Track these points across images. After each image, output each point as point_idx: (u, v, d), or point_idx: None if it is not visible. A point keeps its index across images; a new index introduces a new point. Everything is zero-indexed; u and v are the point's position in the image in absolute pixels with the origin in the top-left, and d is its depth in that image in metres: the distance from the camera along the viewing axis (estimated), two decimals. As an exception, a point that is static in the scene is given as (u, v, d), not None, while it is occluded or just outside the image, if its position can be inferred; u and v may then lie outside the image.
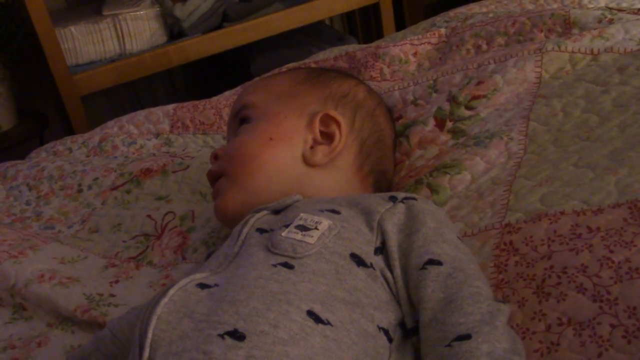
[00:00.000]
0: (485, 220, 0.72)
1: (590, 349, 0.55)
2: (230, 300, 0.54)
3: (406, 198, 0.67)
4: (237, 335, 0.51)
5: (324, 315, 0.54)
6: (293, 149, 0.76)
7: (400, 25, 2.26)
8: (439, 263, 0.59)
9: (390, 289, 0.61)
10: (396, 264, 0.61)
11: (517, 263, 0.65)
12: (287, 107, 0.78)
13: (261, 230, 0.66)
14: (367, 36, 2.33)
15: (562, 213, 0.66)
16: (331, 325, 0.54)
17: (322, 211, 0.65)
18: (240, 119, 0.79)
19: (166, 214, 0.92)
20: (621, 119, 0.74)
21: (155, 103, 2.34)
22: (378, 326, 0.57)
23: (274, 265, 0.58)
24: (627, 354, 0.53)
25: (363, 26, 2.39)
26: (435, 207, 0.68)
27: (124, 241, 0.90)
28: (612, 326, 0.55)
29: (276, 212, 0.69)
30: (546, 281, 0.62)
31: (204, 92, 1.55)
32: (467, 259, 0.62)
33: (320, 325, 0.53)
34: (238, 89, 1.30)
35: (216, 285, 0.57)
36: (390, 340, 0.57)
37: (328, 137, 0.77)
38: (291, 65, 1.29)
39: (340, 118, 0.77)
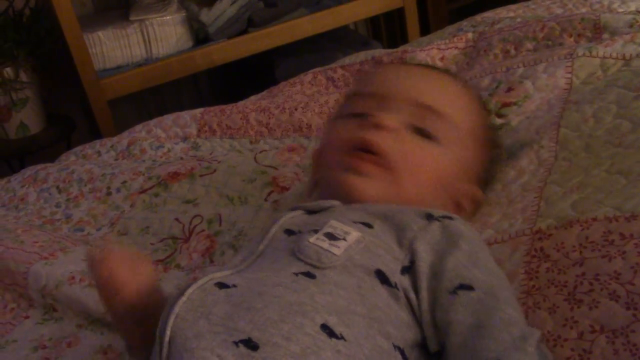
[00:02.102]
0: (515, 227, 0.71)
1: (624, 357, 0.54)
2: (247, 307, 0.54)
3: (443, 217, 0.65)
4: (251, 345, 0.51)
5: (338, 329, 0.54)
6: (446, 199, 0.73)
7: (424, 30, 2.25)
8: (471, 288, 0.58)
9: (413, 310, 0.59)
10: (424, 285, 0.59)
11: (548, 269, 0.65)
12: (473, 160, 0.75)
13: (289, 232, 0.65)
14: (392, 41, 2.33)
15: (594, 219, 0.66)
16: (345, 340, 0.53)
17: (355, 222, 0.64)
18: (427, 127, 0.72)
19: (194, 217, 0.93)
20: (654, 125, 0.73)
21: (180, 107, 2.35)
22: (394, 344, 0.56)
23: (296, 274, 0.58)
24: (662, 362, 0.52)
25: (388, 31, 2.39)
26: (471, 230, 0.66)
27: (152, 244, 0.91)
28: (647, 334, 0.54)
29: (311, 212, 0.69)
30: (578, 288, 0.61)
31: (229, 97, 1.56)
32: (500, 284, 0.60)
33: (334, 340, 0.53)
34: (264, 93, 1.30)
35: (234, 286, 0.58)
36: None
37: (459, 207, 0.74)
38: (319, 69, 1.29)
39: (481, 201, 0.76)
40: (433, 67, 0.82)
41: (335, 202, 0.69)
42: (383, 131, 0.70)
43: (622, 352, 0.55)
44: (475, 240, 0.64)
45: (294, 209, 0.70)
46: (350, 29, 2.40)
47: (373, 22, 2.47)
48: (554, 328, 0.60)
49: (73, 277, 0.82)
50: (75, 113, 2.15)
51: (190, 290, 0.57)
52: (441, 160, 0.72)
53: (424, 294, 0.59)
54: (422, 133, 0.72)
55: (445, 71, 0.84)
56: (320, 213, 0.68)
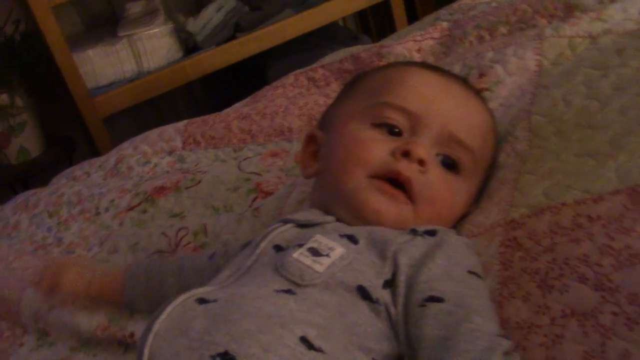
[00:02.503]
0: (490, 219, 0.71)
1: (594, 339, 0.55)
2: (224, 320, 0.55)
3: (426, 231, 0.65)
4: (227, 358, 0.52)
5: (317, 343, 0.54)
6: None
7: (413, 20, 2.24)
8: (440, 300, 0.57)
9: (393, 325, 0.59)
10: (399, 300, 0.59)
11: (521, 258, 0.65)
12: (479, 186, 0.75)
13: (278, 248, 0.65)
14: (382, 34, 2.32)
15: (564, 204, 0.66)
16: (323, 352, 0.53)
17: (341, 236, 0.63)
18: (455, 160, 0.71)
19: (179, 229, 0.94)
20: (621, 103, 0.72)
21: (177, 116, 2.37)
22: (373, 359, 0.56)
23: (277, 291, 0.58)
24: (630, 341, 0.53)
25: (376, 24, 2.39)
26: (454, 241, 0.65)
27: (141, 260, 0.92)
28: (615, 314, 0.55)
29: (302, 226, 0.68)
30: (549, 274, 0.61)
31: (225, 102, 1.57)
32: (472, 294, 0.59)
33: (312, 352, 0.53)
34: (248, 99, 1.31)
35: (215, 300, 0.58)
36: None
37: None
38: (300, 71, 1.30)
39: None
40: (461, 82, 0.79)
41: (330, 219, 0.68)
42: (416, 165, 0.68)
43: (592, 334, 0.55)
44: (456, 252, 0.63)
45: (285, 221, 0.69)
46: (339, 25, 2.40)
47: (361, 17, 2.47)
48: (527, 316, 0.60)
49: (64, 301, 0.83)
50: (75, 133, 2.17)
51: (169, 308, 0.58)
52: (459, 192, 0.72)
53: (400, 308, 0.58)
54: (448, 165, 0.71)
55: (472, 88, 0.81)
56: (313, 227, 0.67)
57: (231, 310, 0.56)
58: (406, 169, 0.68)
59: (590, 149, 0.70)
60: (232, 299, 0.58)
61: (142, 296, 0.80)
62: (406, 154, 0.68)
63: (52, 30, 1.79)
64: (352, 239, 0.63)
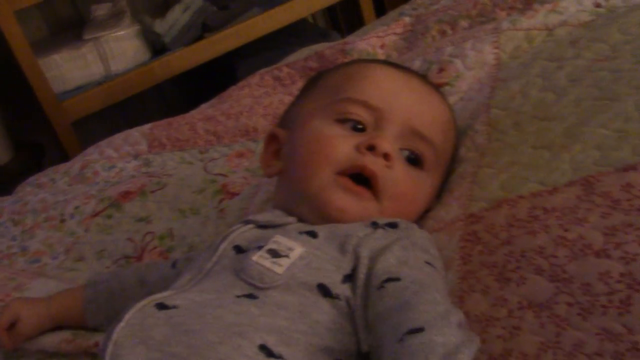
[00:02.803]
0: (450, 214, 0.72)
1: (549, 330, 0.55)
2: (184, 330, 0.55)
3: (387, 224, 0.65)
4: None
5: (277, 349, 0.54)
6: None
7: (382, 14, 2.25)
8: (397, 279, 0.57)
9: (355, 318, 0.58)
10: (359, 291, 0.59)
11: (480, 252, 0.65)
12: (441, 182, 0.76)
13: (238, 249, 0.65)
14: (351, 30, 2.32)
15: (521, 197, 0.66)
16: (283, 359, 0.53)
17: (300, 233, 0.64)
18: (419, 154, 0.72)
19: (146, 234, 0.93)
20: (576, 94, 0.73)
21: (147, 118, 2.35)
22: (336, 359, 0.56)
23: (238, 297, 0.58)
24: (584, 330, 0.53)
25: (345, 20, 2.39)
26: (415, 234, 0.66)
27: (107, 267, 0.92)
28: (569, 305, 0.55)
29: (264, 227, 0.68)
30: (507, 266, 0.62)
31: (195, 103, 1.56)
32: (430, 278, 0.59)
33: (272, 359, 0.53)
34: (214, 100, 1.30)
35: (175, 307, 0.58)
36: None
37: None
38: (265, 70, 1.30)
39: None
40: (422, 79, 0.80)
41: (291, 219, 0.68)
42: (382, 160, 0.68)
43: (548, 325, 0.56)
44: (414, 245, 0.64)
45: (246, 222, 0.69)
46: (308, 22, 2.40)
47: (330, 13, 2.47)
48: (486, 309, 0.61)
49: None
50: (44, 138, 2.14)
51: (128, 315, 0.57)
52: (423, 188, 0.72)
53: (358, 300, 0.59)
54: (412, 160, 0.71)
55: (432, 84, 0.82)
56: (272, 229, 0.67)
57: (192, 319, 0.56)
58: (372, 163, 0.67)
59: (546, 141, 0.71)
60: (193, 308, 0.58)
61: (107, 320, 0.76)
62: (371, 148, 0.68)
63: (16, 36, 1.76)
64: (312, 234, 0.63)
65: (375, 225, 0.64)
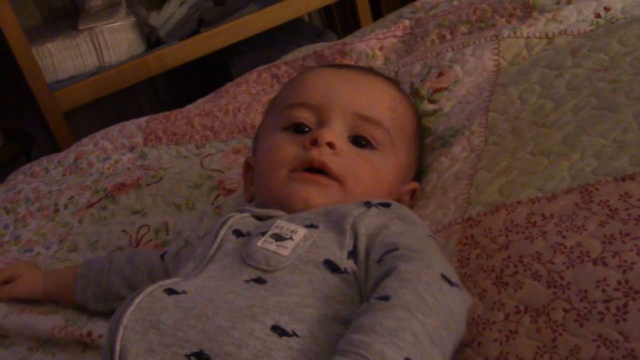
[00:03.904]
0: (448, 216, 0.72)
1: (546, 335, 0.56)
2: (197, 314, 0.55)
3: (380, 204, 0.67)
4: (203, 357, 0.52)
5: (289, 327, 0.54)
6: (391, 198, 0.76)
7: (378, 16, 2.25)
8: (395, 249, 0.59)
9: (362, 292, 0.60)
10: (362, 266, 0.61)
11: (477, 256, 0.66)
12: (409, 160, 0.79)
13: (238, 233, 0.66)
14: (346, 30, 2.33)
15: (519, 202, 0.67)
16: (297, 336, 0.54)
17: (303, 226, 0.65)
18: (366, 135, 0.75)
19: (141, 227, 0.93)
20: (574, 102, 0.74)
21: (140, 112, 2.35)
22: None
23: (247, 281, 0.59)
24: (580, 336, 0.54)
25: (341, 20, 2.39)
26: (407, 213, 0.68)
27: (100, 258, 0.91)
28: (565, 310, 0.56)
29: (259, 217, 0.70)
30: (504, 271, 0.63)
31: (188, 98, 1.56)
32: (428, 247, 0.61)
33: (285, 338, 0.54)
34: (211, 95, 1.30)
35: (184, 292, 0.58)
36: None
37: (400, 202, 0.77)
38: (262, 67, 1.30)
39: (417, 192, 0.80)
40: (360, 70, 0.84)
41: (281, 213, 0.70)
42: (327, 149, 0.72)
43: (545, 330, 0.56)
44: (408, 222, 0.66)
45: (242, 210, 0.70)
46: (304, 20, 2.40)
47: (326, 12, 2.47)
48: (483, 312, 0.61)
49: (23, 310, 0.82)
50: (34, 127, 2.13)
51: (138, 299, 0.57)
52: (381, 165, 0.75)
53: (363, 271, 0.61)
54: (361, 143, 0.75)
55: (372, 71, 0.85)
56: (267, 220, 0.69)
57: (203, 304, 0.56)
58: (318, 154, 0.71)
59: (545, 148, 0.72)
60: (202, 293, 0.58)
61: (93, 296, 0.82)
62: (314, 142, 0.72)
63: (10, 23, 1.74)
64: (312, 226, 0.65)
65: (368, 204, 0.67)
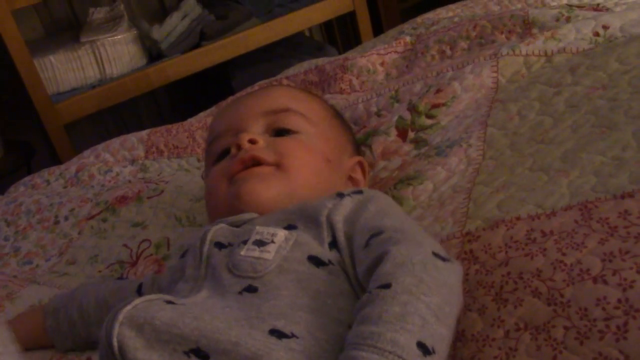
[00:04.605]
0: (446, 230, 0.73)
1: (546, 353, 0.56)
2: (193, 316, 0.55)
3: (353, 192, 0.69)
4: (200, 354, 0.52)
5: (288, 329, 0.55)
6: (340, 177, 0.79)
7: (378, 31, 2.27)
8: (380, 232, 0.60)
9: (350, 280, 0.61)
10: (344, 252, 0.62)
11: (477, 271, 0.66)
12: (337, 136, 0.83)
13: (220, 245, 0.67)
14: (347, 45, 2.34)
15: (518, 218, 0.67)
16: (297, 337, 0.54)
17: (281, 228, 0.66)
18: (282, 124, 0.78)
19: (142, 241, 0.93)
20: (573, 120, 0.75)
21: (140, 124, 2.36)
22: (349, 325, 0.56)
23: (240, 293, 0.59)
24: (580, 355, 0.54)
25: (342, 35, 2.40)
26: (380, 195, 0.70)
27: (99, 271, 0.91)
28: (566, 328, 0.56)
29: (235, 225, 0.70)
30: (504, 287, 0.63)
31: (189, 111, 1.57)
32: (411, 226, 0.62)
33: (285, 340, 0.54)
34: (212, 109, 1.31)
35: (183, 305, 0.58)
36: None
37: (353, 180, 0.81)
38: (265, 82, 1.31)
39: (366, 166, 0.83)
40: (265, 86, 0.93)
41: (254, 214, 0.71)
42: (251, 145, 0.75)
43: (545, 347, 0.56)
44: (383, 202, 0.68)
45: (216, 222, 0.71)
46: (304, 35, 2.41)
47: (327, 27, 2.49)
48: (483, 329, 0.61)
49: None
50: (35, 138, 2.13)
51: (137, 301, 0.57)
52: (311, 145, 0.77)
53: (347, 260, 0.62)
54: (282, 132, 0.78)
55: (271, 85, 0.93)
56: (243, 226, 0.69)
57: (200, 311, 0.56)
58: (244, 153, 0.74)
59: (544, 164, 0.72)
60: (200, 304, 0.59)
61: (73, 344, 0.78)
62: (238, 147, 0.75)
63: (13, 35, 1.75)
64: (291, 227, 0.66)
65: (341, 195, 0.68)
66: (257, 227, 0.65)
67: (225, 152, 0.78)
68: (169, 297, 0.60)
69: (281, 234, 0.64)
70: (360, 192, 0.69)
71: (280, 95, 0.83)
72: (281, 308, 0.57)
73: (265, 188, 0.72)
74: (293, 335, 0.54)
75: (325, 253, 0.63)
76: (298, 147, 0.76)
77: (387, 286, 0.52)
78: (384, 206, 0.66)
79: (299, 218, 0.66)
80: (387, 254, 0.55)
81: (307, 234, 0.64)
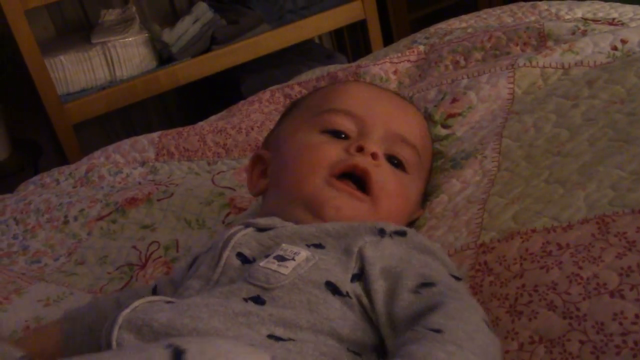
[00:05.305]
0: (460, 240, 0.72)
1: (561, 367, 0.55)
2: (191, 315, 0.55)
3: (395, 232, 0.66)
4: None
5: (286, 335, 0.55)
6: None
7: (388, 40, 2.27)
8: (432, 284, 0.59)
9: (368, 315, 0.60)
10: (375, 287, 0.60)
11: (491, 283, 0.66)
12: (424, 187, 0.81)
13: (242, 258, 0.65)
14: (357, 53, 2.35)
15: (534, 231, 0.67)
16: (294, 340, 0.54)
17: (308, 246, 0.65)
18: (401, 157, 0.76)
19: (151, 243, 0.93)
20: (590, 133, 0.75)
21: (148, 127, 2.36)
22: (348, 349, 0.57)
23: (245, 300, 0.59)
24: (596, 370, 0.54)
25: (352, 43, 2.41)
26: (424, 242, 0.67)
27: (108, 273, 0.91)
28: (581, 342, 0.56)
29: (263, 230, 0.69)
30: (518, 300, 0.62)
31: (197, 115, 1.57)
32: (461, 288, 0.61)
33: (281, 342, 0.54)
34: (223, 112, 1.31)
35: (183, 304, 0.58)
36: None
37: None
38: (276, 87, 1.31)
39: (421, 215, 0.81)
40: (395, 92, 0.87)
41: (288, 224, 0.69)
42: (370, 158, 0.72)
43: (560, 361, 0.56)
44: (426, 254, 0.65)
45: (246, 225, 0.70)
46: (315, 42, 2.42)
47: (337, 35, 2.49)
48: (496, 340, 0.61)
49: (28, 327, 0.81)
50: (42, 138, 2.14)
51: (136, 303, 0.57)
52: (409, 189, 0.76)
53: (378, 296, 0.59)
54: (395, 162, 0.76)
55: (405, 99, 0.88)
56: (271, 231, 0.68)
57: (198, 309, 0.56)
58: (362, 161, 0.71)
59: (560, 177, 0.72)
60: (200, 302, 0.58)
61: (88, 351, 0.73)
62: (360, 149, 0.72)
63: (25, 35, 1.76)
64: (318, 246, 0.65)
65: (382, 233, 0.66)
66: (283, 245, 0.64)
67: (337, 133, 0.75)
68: (170, 298, 0.60)
69: (303, 253, 0.62)
70: (403, 233, 0.67)
71: (417, 127, 0.80)
72: (283, 318, 0.56)
73: (351, 211, 0.70)
74: (290, 339, 0.54)
75: (346, 283, 0.61)
76: (400, 190, 0.74)
77: (438, 331, 0.51)
78: (427, 258, 0.64)
79: (332, 241, 0.65)
80: (442, 305, 0.55)
81: (331, 257, 0.63)
